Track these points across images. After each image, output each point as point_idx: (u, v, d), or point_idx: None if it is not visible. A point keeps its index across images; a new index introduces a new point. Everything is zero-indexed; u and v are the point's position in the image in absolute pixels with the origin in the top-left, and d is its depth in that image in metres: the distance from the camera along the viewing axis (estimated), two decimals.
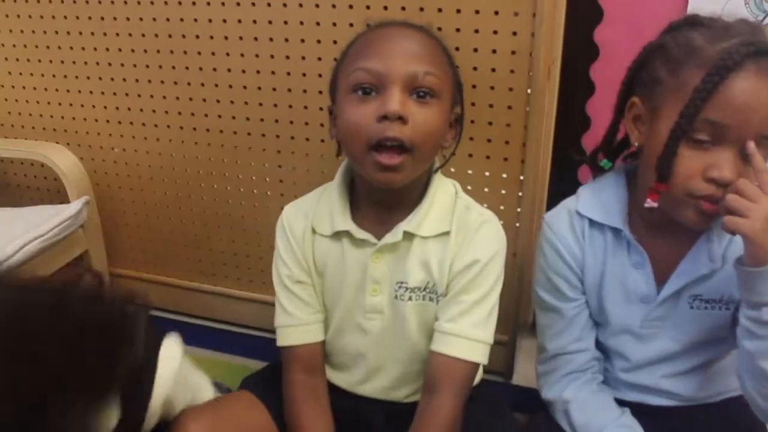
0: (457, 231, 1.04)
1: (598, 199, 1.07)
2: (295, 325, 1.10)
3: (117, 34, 1.54)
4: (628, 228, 1.04)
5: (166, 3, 1.46)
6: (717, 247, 1.01)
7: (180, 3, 1.45)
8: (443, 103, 0.97)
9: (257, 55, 1.44)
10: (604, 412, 1.08)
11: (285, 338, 1.10)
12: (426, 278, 1.04)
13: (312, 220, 1.08)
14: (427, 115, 0.94)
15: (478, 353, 1.03)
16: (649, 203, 0.95)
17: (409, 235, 1.03)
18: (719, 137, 0.88)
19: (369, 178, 0.98)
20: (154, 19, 1.49)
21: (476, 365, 1.04)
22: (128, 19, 1.51)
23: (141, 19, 1.50)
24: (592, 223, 1.07)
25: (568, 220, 1.09)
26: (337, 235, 1.06)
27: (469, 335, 1.02)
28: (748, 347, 0.94)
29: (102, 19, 1.54)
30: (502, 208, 1.32)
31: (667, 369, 1.10)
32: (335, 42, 1.35)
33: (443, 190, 1.07)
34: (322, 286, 1.10)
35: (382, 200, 1.04)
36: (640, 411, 1.08)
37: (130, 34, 1.53)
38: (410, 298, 1.05)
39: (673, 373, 1.09)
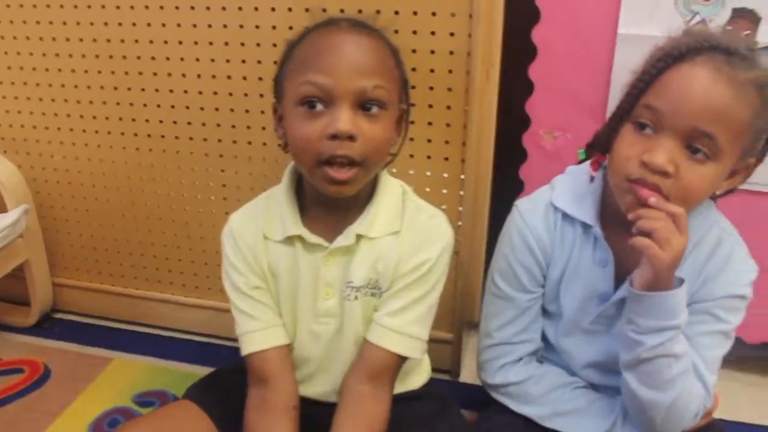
0: (406, 231, 1.05)
1: (573, 192, 1.08)
2: (264, 329, 1.06)
3: (54, 39, 1.52)
4: (599, 224, 1.04)
5: (103, 7, 1.45)
6: None
7: (118, 7, 1.44)
8: (391, 111, 0.98)
9: (197, 59, 1.43)
10: (558, 378, 1.13)
11: (252, 344, 1.06)
12: (370, 275, 1.04)
13: (263, 225, 1.07)
14: (376, 129, 0.95)
15: (416, 350, 1.05)
16: (591, 172, 1.04)
17: (359, 237, 1.03)
18: (658, 124, 0.90)
19: (319, 189, 0.98)
20: (92, 24, 1.47)
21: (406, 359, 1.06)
22: (65, 23, 1.49)
23: (78, 23, 1.48)
24: (565, 215, 1.07)
25: (543, 212, 1.09)
26: (290, 240, 1.05)
27: (408, 332, 1.03)
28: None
29: (38, 23, 1.51)
30: (444, 207, 1.31)
31: (612, 367, 1.08)
32: (275, 45, 1.35)
33: (391, 190, 1.07)
34: (276, 291, 1.08)
35: (331, 204, 1.03)
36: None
37: (67, 39, 1.51)
38: (356, 297, 1.05)
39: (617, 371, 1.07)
